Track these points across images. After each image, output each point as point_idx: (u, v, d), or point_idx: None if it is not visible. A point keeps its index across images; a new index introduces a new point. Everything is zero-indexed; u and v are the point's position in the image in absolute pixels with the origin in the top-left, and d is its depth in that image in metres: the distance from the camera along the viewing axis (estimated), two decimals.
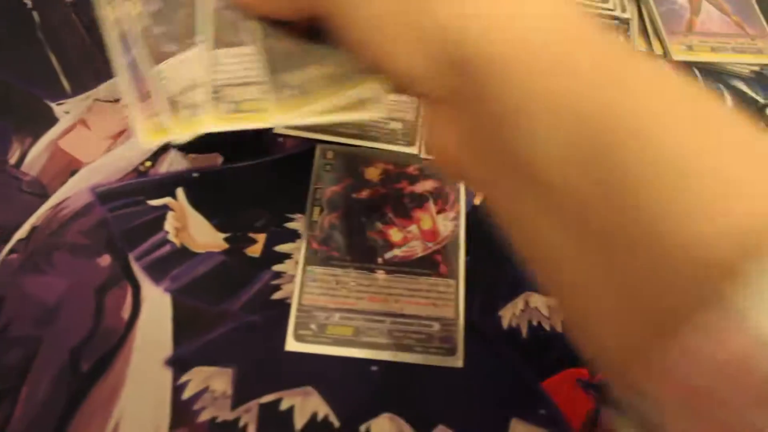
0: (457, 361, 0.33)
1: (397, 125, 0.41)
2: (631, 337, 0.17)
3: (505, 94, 0.18)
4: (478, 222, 0.37)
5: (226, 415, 0.32)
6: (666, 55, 0.45)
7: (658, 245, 0.16)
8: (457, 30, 0.19)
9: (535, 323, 0.35)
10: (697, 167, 0.16)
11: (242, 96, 0.28)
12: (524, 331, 0.35)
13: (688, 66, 0.45)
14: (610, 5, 0.47)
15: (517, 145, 0.18)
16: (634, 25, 0.47)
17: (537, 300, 0.36)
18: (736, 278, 0.14)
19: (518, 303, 0.36)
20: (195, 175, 0.38)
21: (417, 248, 0.36)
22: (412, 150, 0.40)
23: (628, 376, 0.16)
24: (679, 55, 0.44)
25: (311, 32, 0.26)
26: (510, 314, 0.35)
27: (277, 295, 0.35)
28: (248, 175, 0.38)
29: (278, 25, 0.26)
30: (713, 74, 0.45)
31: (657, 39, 0.45)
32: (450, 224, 0.37)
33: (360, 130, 0.40)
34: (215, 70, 0.28)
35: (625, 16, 0.45)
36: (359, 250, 0.36)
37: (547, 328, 0.35)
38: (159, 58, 0.28)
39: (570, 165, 0.17)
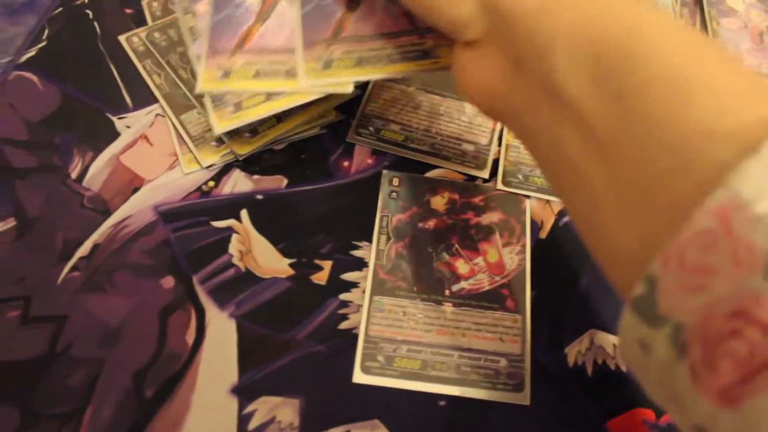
0: (524, 399, 0.33)
1: (469, 147, 0.40)
2: (645, 228, 0.20)
3: (531, 30, 0.23)
4: (543, 256, 0.37)
5: None
6: None
7: (666, 148, 0.19)
8: None
9: (600, 362, 0.35)
10: (699, 81, 0.19)
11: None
12: (590, 369, 0.35)
13: None
14: None
15: (543, 72, 0.23)
16: None
17: (602, 338, 0.35)
18: (737, 170, 0.16)
19: (584, 340, 0.35)
20: (259, 197, 0.38)
21: (484, 281, 0.36)
22: (482, 174, 0.39)
23: (636, 265, 0.19)
24: None
25: None
26: (575, 352, 0.35)
27: (343, 325, 0.34)
28: (313, 199, 0.38)
29: None
30: None
31: None
32: (516, 258, 0.37)
33: (432, 149, 0.40)
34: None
35: None
36: (427, 281, 0.35)
37: (612, 367, 0.35)
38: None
39: (586, 82, 0.21)
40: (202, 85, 0.35)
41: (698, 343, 0.17)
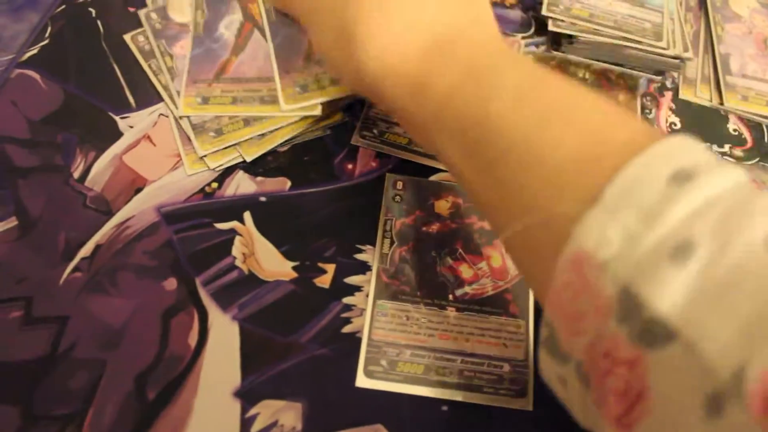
0: (527, 404, 0.33)
1: None
2: (536, 276, 0.22)
3: (409, 113, 0.27)
4: None
5: None
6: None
7: (527, 209, 0.21)
8: (362, 70, 0.27)
9: None
10: (546, 144, 0.21)
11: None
12: None
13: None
14: (663, 44, 0.46)
15: (432, 144, 0.26)
16: (697, 65, 0.47)
17: None
18: (580, 222, 0.18)
19: None
20: (262, 199, 0.38)
21: (487, 286, 0.36)
22: None
23: (543, 307, 0.21)
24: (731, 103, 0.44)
25: None
26: None
27: (347, 329, 0.34)
28: (317, 202, 0.38)
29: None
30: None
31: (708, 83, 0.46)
32: None
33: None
34: None
35: (687, 55, 0.45)
36: (430, 285, 0.35)
37: None
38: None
39: (461, 155, 0.24)
40: (183, 110, 0.38)
41: (593, 378, 0.19)
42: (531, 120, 0.22)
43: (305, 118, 0.39)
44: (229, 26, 0.41)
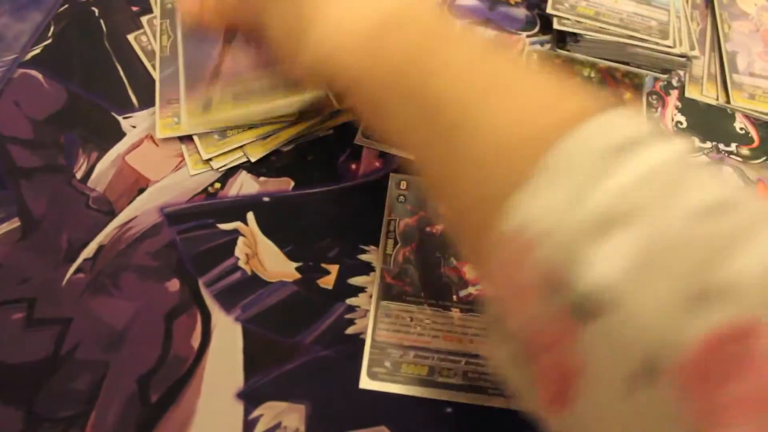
0: None
1: None
2: (474, 253, 0.23)
3: (361, 93, 0.27)
4: None
5: None
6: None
7: (465, 187, 0.22)
8: (318, 50, 0.28)
9: None
10: (485, 123, 0.21)
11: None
12: None
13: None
14: (669, 42, 0.46)
15: (386, 121, 0.27)
16: (704, 63, 0.46)
17: None
18: (509, 204, 0.18)
19: None
20: (266, 199, 0.37)
21: None
22: None
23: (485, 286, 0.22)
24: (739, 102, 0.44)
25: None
26: None
27: (350, 330, 0.34)
28: (320, 202, 0.37)
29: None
30: None
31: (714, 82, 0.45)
32: None
33: None
34: None
35: (693, 53, 0.45)
36: (434, 286, 0.35)
37: None
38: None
39: (410, 135, 0.25)
40: (159, 131, 0.38)
41: (531, 358, 0.19)
42: (469, 96, 0.22)
43: (309, 118, 0.39)
44: None
